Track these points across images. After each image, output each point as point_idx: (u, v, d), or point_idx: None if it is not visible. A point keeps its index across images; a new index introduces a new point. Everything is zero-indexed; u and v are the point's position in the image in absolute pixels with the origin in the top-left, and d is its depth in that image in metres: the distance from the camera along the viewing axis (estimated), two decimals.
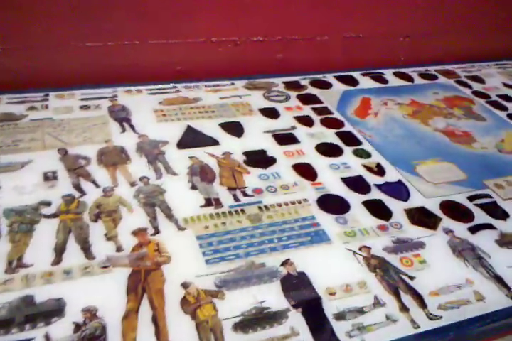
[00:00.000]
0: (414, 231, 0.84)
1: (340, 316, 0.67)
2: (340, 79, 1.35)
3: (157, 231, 0.78)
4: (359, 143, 1.07)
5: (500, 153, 1.09)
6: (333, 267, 0.75)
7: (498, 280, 0.76)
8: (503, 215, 0.90)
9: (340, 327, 0.66)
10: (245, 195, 0.88)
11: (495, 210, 0.91)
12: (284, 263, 0.75)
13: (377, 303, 0.70)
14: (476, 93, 1.35)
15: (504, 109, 1.29)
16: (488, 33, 1.54)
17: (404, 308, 0.69)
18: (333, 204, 0.88)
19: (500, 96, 1.35)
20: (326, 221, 0.84)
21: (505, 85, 1.42)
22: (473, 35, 1.53)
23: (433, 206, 0.90)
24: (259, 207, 0.85)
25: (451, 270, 0.77)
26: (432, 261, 0.78)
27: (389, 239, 0.81)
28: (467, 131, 1.16)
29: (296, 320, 0.66)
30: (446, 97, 1.30)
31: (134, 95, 1.17)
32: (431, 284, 0.74)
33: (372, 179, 0.96)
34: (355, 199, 0.90)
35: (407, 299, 0.71)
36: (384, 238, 0.82)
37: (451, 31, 1.51)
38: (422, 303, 0.70)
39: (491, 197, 0.94)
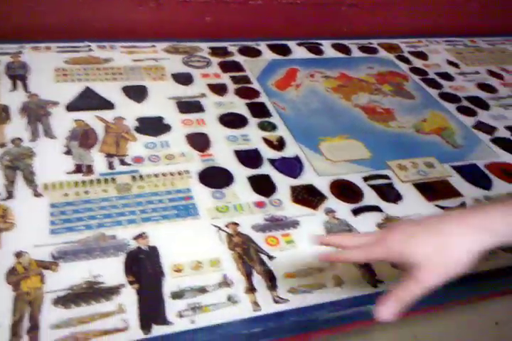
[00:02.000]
0: (292, 210, 0.79)
1: (177, 295, 0.63)
2: (272, 47, 1.27)
3: (10, 196, 0.73)
4: (268, 115, 1.01)
5: (417, 133, 1.03)
6: (191, 243, 0.71)
7: (365, 265, 0.71)
8: (395, 198, 0.85)
9: (174, 307, 0.62)
10: (123, 163, 0.83)
11: (388, 192, 0.86)
12: (138, 236, 0.70)
13: (224, 283, 0.65)
14: (414, 69, 1.27)
15: (438, 87, 1.21)
16: (444, 6, 1.45)
17: (251, 289, 0.65)
18: (215, 178, 0.83)
19: (439, 73, 1.27)
20: (202, 195, 0.79)
21: (449, 63, 1.34)
22: (428, 7, 1.44)
23: (323, 184, 0.85)
24: (133, 177, 0.80)
25: (318, 252, 0.72)
26: (300, 242, 0.73)
27: (263, 217, 0.77)
28: (389, 108, 1.09)
29: (128, 297, 0.62)
30: (380, 72, 1.23)
31: (41, 52, 1.09)
32: (290, 266, 0.70)
33: (268, 153, 0.91)
34: (242, 173, 0.85)
35: (258, 280, 0.67)
36: (258, 216, 0.77)
37: (405, 2, 1.42)
38: (273, 285, 0.66)
39: (388, 178, 0.89)
